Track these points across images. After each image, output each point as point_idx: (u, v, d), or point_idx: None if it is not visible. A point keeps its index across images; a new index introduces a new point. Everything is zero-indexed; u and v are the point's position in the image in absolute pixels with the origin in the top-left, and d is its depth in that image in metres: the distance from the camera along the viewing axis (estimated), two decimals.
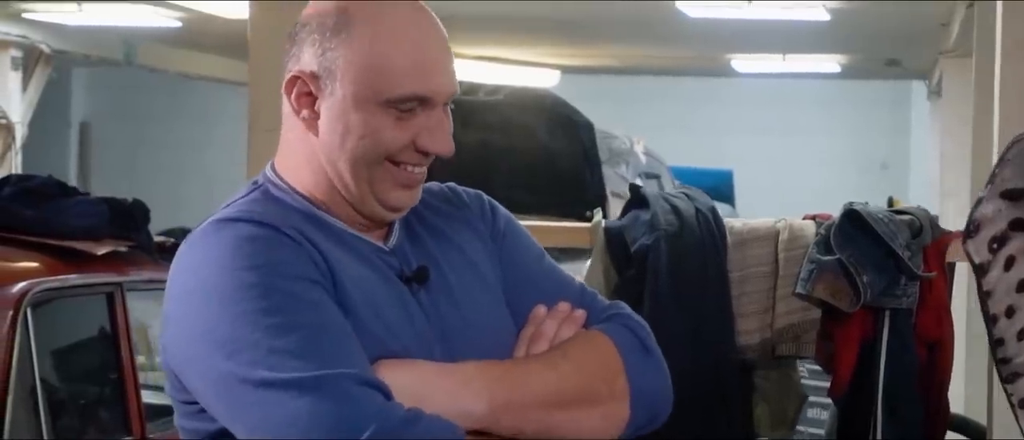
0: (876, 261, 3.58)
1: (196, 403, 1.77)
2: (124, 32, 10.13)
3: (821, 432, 4.17)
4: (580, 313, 1.90)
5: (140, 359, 4.45)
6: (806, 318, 3.67)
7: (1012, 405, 1.99)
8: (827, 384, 3.74)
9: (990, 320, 1.98)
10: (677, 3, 7.93)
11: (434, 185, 1.94)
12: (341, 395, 1.64)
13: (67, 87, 14.27)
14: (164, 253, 4.66)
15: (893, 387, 3.59)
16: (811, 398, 4.13)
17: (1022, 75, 3.43)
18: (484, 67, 10.85)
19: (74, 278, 4.19)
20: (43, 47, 9.77)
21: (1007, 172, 1.87)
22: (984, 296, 1.96)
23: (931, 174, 10.28)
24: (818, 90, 14.22)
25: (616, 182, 4.97)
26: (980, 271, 1.94)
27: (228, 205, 1.86)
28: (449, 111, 1.84)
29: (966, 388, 4.53)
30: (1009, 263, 1.91)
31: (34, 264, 4.10)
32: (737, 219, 3.75)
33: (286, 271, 1.73)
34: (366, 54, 1.81)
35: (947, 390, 3.68)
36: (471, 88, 8.32)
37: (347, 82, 1.80)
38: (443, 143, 1.82)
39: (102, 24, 9.27)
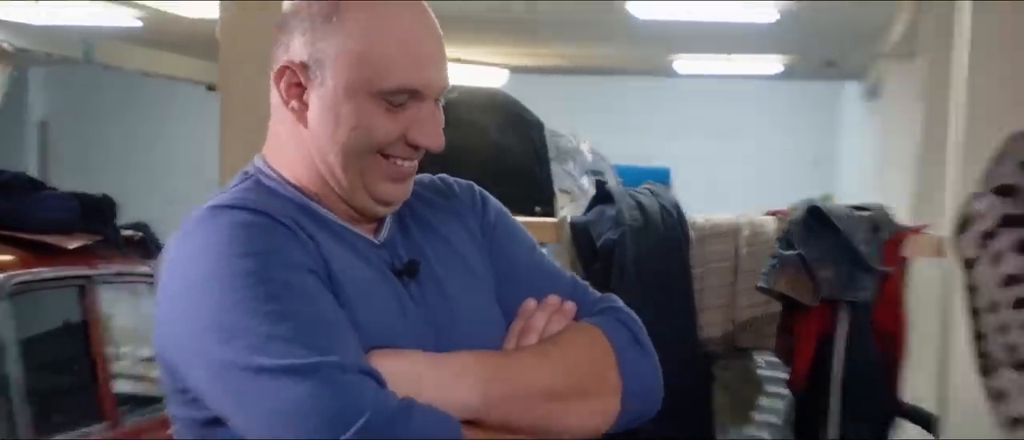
0: (836, 256, 3.69)
1: (189, 392, 1.77)
2: (84, 31, 10.08)
3: (777, 421, 4.24)
4: (570, 306, 1.90)
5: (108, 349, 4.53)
6: (767, 312, 3.76)
7: (988, 397, 2.03)
8: (784, 375, 3.84)
9: (973, 314, 2.01)
10: (626, 4, 7.95)
11: (425, 176, 1.94)
12: (337, 382, 1.64)
13: (24, 86, 14.20)
14: (131, 247, 4.82)
15: (850, 379, 3.67)
16: (768, 388, 4.20)
17: (994, 74, 3.48)
18: None
19: (46, 271, 4.28)
20: (3, 44, 9.78)
21: (1001, 168, 1.90)
22: (970, 290, 2.00)
23: (863, 171, 10.51)
24: (755, 91, 14.56)
25: (563, 179, 5.03)
26: (968, 266, 1.97)
27: (221, 193, 1.85)
28: (440, 106, 1.82)
29: (913, 377, 4.67)
30: (996, 259, 1.93)
31: (7, 257, 4.18)
32: (700, 215, 3.86)
33: (282, 259, 1.72)
34: (358, 44, 1.78)
35: (900, 380, 3.75)
36: None
37: (338, 72, 1.78)
38: (434, 137, 1.80)
39: (63, 23, 9.29)
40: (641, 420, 1.90)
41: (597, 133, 7.29)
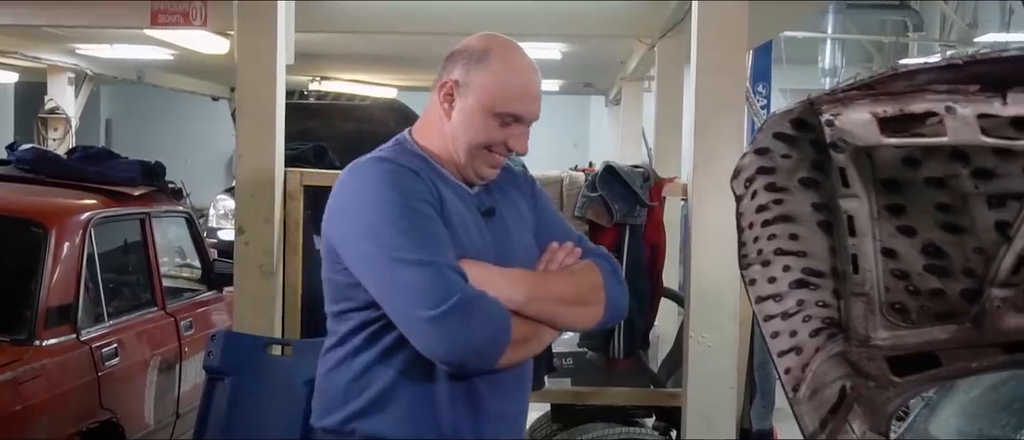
0: (623, 195, 4.62)
1: (341, 264, 2.22)
2: (137, 62, 13.07)
3: None
4: (578, 249, 2.38)
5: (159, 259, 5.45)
6: (580, 231, 3.70)
7: (744, 284, 2.21)
8: None
9: (739, 230, 2.15)
10: None
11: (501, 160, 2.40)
12: (441, 274, 2.08)
13: (98, 97, 19.43)
14: (175, 195, 5.90)
15: (631, 273, 4.57)
16: None
17: (707, 86, 4.50)
18: (351, 85, 14.14)
19: (120, 210, 5.22)
20: (87, 71, 12.86)
21: (759, 137, 2.02)
22: (738, 216, 2.12)
23: (604, 148, 15.26)
24: (544, 100, 18.06)
25: None
26: (738, 200, 2.10)
27: (379, 149, 2.33)
28: (530, 127, 2.32)
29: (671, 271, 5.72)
30: (754, 195, 2.09)
31: (95, 201, 5.09)
32: (538, 171, 4.20)
33: (414, 194, 2.16)
34: (493, 81, 2.25)
35: (661, 273, 4.79)
36: (350, 97, 10.74)
37: (478, 95, 2.26)
38: (523, 146, 2.31)
39: (123, 56, 11.98)
40: (614, 322, 2.50)
41: None
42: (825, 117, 1.82)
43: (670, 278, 5.48)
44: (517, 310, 2.18)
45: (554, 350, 4.91)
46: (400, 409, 2.22)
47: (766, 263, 2.20)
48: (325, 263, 2.27)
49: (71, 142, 12.68)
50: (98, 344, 4.73)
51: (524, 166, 4.47)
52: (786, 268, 2.19)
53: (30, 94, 15.51)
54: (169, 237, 5.91)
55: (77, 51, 12.19)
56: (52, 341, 4.44)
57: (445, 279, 2.08)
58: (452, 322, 2.05)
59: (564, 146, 21.84)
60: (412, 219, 2.12)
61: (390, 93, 15.03)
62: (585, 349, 5.13)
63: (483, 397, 2.25)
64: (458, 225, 2.22)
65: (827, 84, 16.63)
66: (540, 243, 2.41)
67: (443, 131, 2.30)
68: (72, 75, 13.31)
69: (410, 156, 2.29)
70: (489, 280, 2.17)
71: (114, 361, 4.78)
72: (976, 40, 15.79)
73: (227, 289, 5.88)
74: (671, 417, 5.11)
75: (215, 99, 17.79)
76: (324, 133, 6.96)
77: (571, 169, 5.13)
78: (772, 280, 2.21)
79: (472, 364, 2.15)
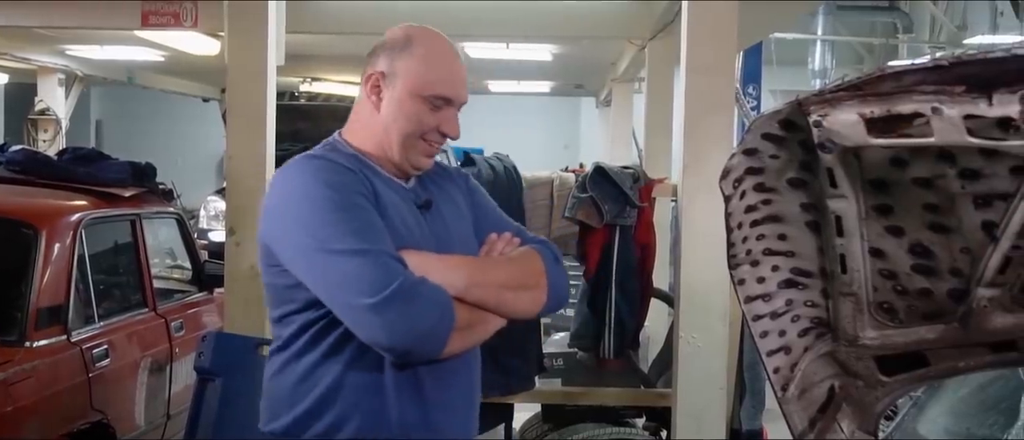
0: (613, 196, 4.71)
1: (279, 265, 2.21)
2: (128, 63, 13.10)
3: (575, 299, 5.02)
4: (516, 239, 2.41)
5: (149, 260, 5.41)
6: (570, 231, 4.78)
7: (733, 283, 2.21)
8: (581, 270, 4.84)
9: (728, 230, 2.15)
10: (463, 45, 10.39)
11: (435, 159, 2.42)
12: (379, 261, 2.08)
13: (89, 98, 19.74)
14: (165, 195, 5.90)
15: (621, 272, 4.73)
16: (570, 280, 5.05)
17: (697, 87, 4.55)
18: (341, 86, 14.13)
19: (111, 211, 5.22)
20: (77, 72, 12.87)
21: (748, 137, 2.01)
22: (727, 216, 2.12)
23: (595, 149, 15.37)
24: (534, 102, 21.77)
25: None
26: (727, 201, 2.09)
27: (311, 151, 2.32)
28: (459, 111, 2.32)
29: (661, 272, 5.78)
30: (742, 195, 2.08)
31: (85, 202, 5.09)
32: (528, 172, 4.89)
33: (346, 187, 2.16)
34: (418, 65, 2.27)
35: (651, 274, 4.87)
36: (340, 98, 11.77)
37: (405, 80, 2.27)
38: (454, 130, 2.31)
39: (113, 57, 12.04)
40: (558, 308, 2.43)
41: None
42: (813, 118, 1.83)
43: (660, 279, 5.53)
44: (458, 296, 2.19)
45: (544, 350, 4.98)
46: (347, 406, 2.21)
47: (755, 263, 2.20)
48: (263, 268, 2.26)
49: (61, 143, 12.80)
50: (89, 345, 4.73)
51: (515, 167, 4.90)
52: (775, 268, 2.20)
53: (20, 95, 15.55)
54: (160, 238, 5.93)
55: (67, 52, 12.23)
56: (42, 342, 4.45)
57: (384, 266, 2.08)
58: (394, 308, 2.05)
59: (555, 147, 22.55)
60: (346, 210, 2.13)
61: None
62: (575, 350, 5.15)
63: (429, 388, 2.25)
64: (395, 217, 2.24)
65: (817, 85, 16.63)
66: (479, 237, 2.43)
67: (375, 125, 2.32)
68: (62, 76, 13.38)
69: (342, 155, 2.31)
70: (429, 266, 2.19)
71: (105, 362, 4.79)
72: (965, 42, 15.85)
73: (218, 290, 5.88)
74: (661, 417, 5.13)
75: (205, 100, 17.93)
76: (315, 134, 6.82)
77: (562, 170, 5.11)
78: (761, 280, 2.21)
79: (417, 351, 2.14)
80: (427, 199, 2.36)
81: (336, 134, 2.37)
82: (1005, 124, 1.65)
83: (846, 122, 1.79)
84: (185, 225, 6.22)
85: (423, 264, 2.18)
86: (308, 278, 2.15)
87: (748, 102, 12.92)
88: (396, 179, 2.34)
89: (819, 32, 17.54)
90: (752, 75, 14.10)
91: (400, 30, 2.32)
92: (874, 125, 1.76)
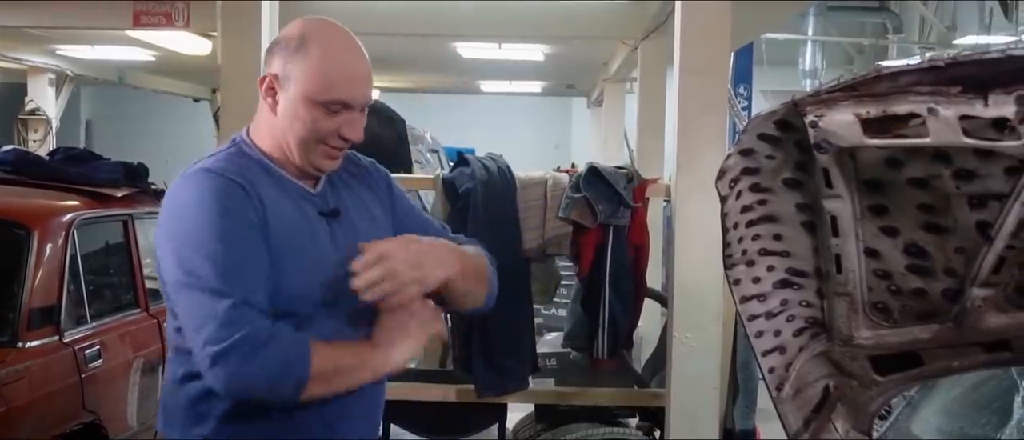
0: (607, 196, 4.66)
1: (170, 298, 2.17)
2: (118, 63, 13.15)
3: (569, 299, 5.13)
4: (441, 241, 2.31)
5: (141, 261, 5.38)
6: (564, 231, 4.69)
7: (729, 283, 2.21)
8: (574, 270, 4.81)
9: (724, 230, 2.15)
10: (455, 46, 10.67)
11: (350, 153, 2.31)
12: (234, 307, 2.01)
13: (79, 98, 19.98)
14: (157, 195, 5.68)
15: (615, 272, 4.69)
16: (564, 280, 5.18)
17: (690, 87, 4.57)
18: None
19: (103, 211, 5.18)
20: (68, 72, 12.85)
21: (744, 138, 2.01)
22: (723, 216, 2.12)
23: (586, 149, 15.52)
24: (526, 102, 22.13)
25: (416, 155, 6.47)
26: (723, 201, 2.09)
27: (214, 154, 2.20)
28: (366, 111, 2.20)
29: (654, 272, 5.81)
30: (738, 195, 2.08)
31: (77, 202, 5.06)
32: (522, 172, 4.84)
33: (233, 215, 2.07)
34: (311, 68, 2.13)
35: (645, 273, 4.82)
36: None
37: (298, 85, 2.14)
38: (356, 133, 2.20)
39: (104, 57, 12.05)
40: (490, 305, 2.46)
41: (436, 129, 10.71)
42: (809, 118, 1.83)
43: (653, 279, 5.54)
44: (447, 280, 2.22)
45: (538, 350, 4.96)
46: (247, 427, 2.17)
47: (750, 263, 2.20)
48: (157, 272, 2.21)
49: (52, 143, 12.76)
50: (81, 346, 4.72)
51: (509, 167, 4.86)
52: (770, 268, 2.20)
53: (10, 95, 15.50)
54: (152, 238, 5.55)
55: (58, 52, 12.25)
56: (35, 343, 4.43)
57: (236, 314, 2.02)
58: (232, 360, 1.99)
59: (546, 147, 22.73)
60: (225, 244, 2.06)
61: (373, 94, 15.48)
62: (569, 349, 5.15)
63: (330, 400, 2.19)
64: (293, 233, 2.16)
65: (808, 86, 16.72)
66: (403, 233, 2.38)
67: (273, 129, 2.22)
68: (53, 76, 13.37)
69: (245, 162, 2.21)
70: (423, 255, 2.20)
71: (97, 363, 4.78)
72: (955, 42, 15.89)
73: None
74: (655, 417, 5.14)
75: (197, 100, 17.92)
76: None
77: (554, 170, 5.12)
78: (756, 280, 2.21)
79: (259, 400, 2.08)
80: (334, 208, 2.26)
81: (244, 132, 2.29)
82: (1001, 125, 1.66)
83: (842, 123, 1.79)
84: None
85: (417, 255, 2.20)
86: (176, 307, 2.13)
87: (739, 102, 12.92)
88: (301, 183, 2.25)
89: (809, 32, 17.57)
90: (743, 75, 14.12)
91: (296, 27, 2.20)
92: (870, 126, 1.77)
